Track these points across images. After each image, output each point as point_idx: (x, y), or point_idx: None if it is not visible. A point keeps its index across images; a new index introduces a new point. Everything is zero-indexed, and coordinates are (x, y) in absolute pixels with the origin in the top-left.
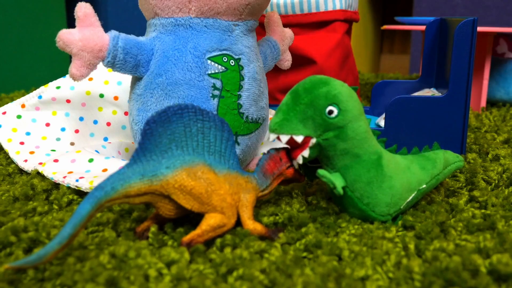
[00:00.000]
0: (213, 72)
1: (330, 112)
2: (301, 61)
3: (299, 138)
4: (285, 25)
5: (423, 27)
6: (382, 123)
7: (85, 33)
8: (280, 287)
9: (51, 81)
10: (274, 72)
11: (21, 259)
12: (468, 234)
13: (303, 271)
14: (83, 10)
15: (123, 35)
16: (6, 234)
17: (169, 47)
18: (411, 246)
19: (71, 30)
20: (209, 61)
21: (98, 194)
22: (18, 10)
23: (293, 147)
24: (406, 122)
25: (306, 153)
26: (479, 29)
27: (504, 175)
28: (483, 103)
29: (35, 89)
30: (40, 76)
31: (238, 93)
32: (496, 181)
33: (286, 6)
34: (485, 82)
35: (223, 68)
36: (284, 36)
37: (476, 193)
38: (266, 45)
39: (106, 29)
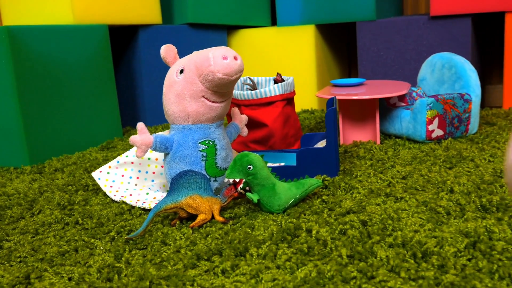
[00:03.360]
0: (201, 149)
1: (249, 168)
2: (259, 124)
3: (237, 179)
4: (246, 105)
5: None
6: (320, 145)
7: (142, 137)
8: (225, 243)
9: (105, 139)
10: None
11: (132, 234)
12: (313, 214)
13: (239, 235)
14: (141, 127)
15: (159, 135)
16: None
17: (180, 139)
18: (283, 222)
19: (135, 136)
20: (199, 144)
21: (155, 209)
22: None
23: (236, 183)
24: (305, 162)
25: (241, 185)
26: (372, 96)
27: (359, 187)
28: (378, 138)
29: (96, 147)
30: (99, 135)
31: (215, 157)
32: (346, 190)
33: (247, 95)
34: (377, 124)
35: (206, 146)
36: (241, 120)
37: (325, 197)
38: (231, 127)
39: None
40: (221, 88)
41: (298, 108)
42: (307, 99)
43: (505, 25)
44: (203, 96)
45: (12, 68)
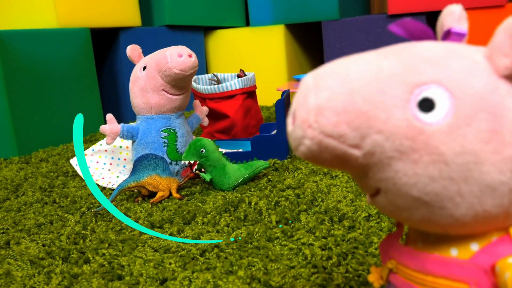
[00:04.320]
0: (163, 136)
1: (202, 151)
2: (221, 116)
3: (192, 161)
4: (210, 99)
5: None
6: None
7: (111, 126)
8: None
9: (87, 132)
10: (211, 123)
11: (99, 207)
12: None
13: (190, 208)
14: (109, 117)
15: (126, 125)
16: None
17: (144, 127)
18: (230, 197)
19: (104, 125)
20: (161, 132)
21: (120, 187)
22: (61, 83)
23: (191, 165)
24: (258, 148)
25: (195, 166)
26: None
27: (303, 168)
28: None
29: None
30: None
31: (175, 143)
32: (294, 168)
33: (211, 90)
34: None
35: (167, 134)
36: (202, 111)
37: (273, 175)
38: (192, 118)
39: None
40: (178, 82)
41: (269, 102)
42: (278, 95)
43: None
44: (163, 90)
45: (1, 69)
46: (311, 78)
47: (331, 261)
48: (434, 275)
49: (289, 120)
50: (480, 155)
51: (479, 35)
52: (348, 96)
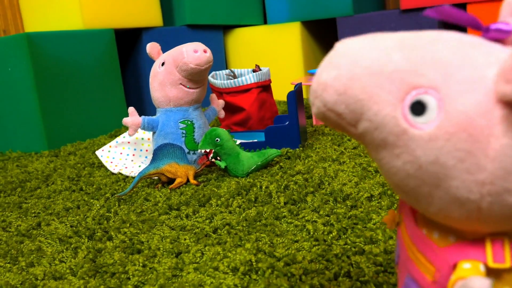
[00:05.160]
0: (181, 127)
1: (217, 140)
2: (237, 109)
3: (208, 150)
4: (227, 93)
5: None
6: None
7: (133, 118)
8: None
9: (111, 127)
10: (228, 116)
11: (121, 192)
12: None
13: (205, 192)
14: (131, 110)
15: (147, 117)
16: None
17: (164, 119)
18: (243, 182)
19: (126, 118)
20: (180, 123)
21: (141, 174)
22: (88, 81)
23: (207, 153)
24: (271, 138)
25: (211, 155)
26: None
27: (314, 156)
28: None
29: (105, 135)
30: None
31: (193, 134)
32: (306, 158)
33: (227, 84)
34: None
35: (185, 125)
36: (218, 104)
37: (286, 163)
38: (209, 110)
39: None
40: (194, 77)
41: (286, 97)
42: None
43: None
44: (181, 84)
45: (31, 69)
46: (336, 48)
47: (331, 235)
48: (417, 248)
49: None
50: (452, 171)
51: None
52: (350, 81)
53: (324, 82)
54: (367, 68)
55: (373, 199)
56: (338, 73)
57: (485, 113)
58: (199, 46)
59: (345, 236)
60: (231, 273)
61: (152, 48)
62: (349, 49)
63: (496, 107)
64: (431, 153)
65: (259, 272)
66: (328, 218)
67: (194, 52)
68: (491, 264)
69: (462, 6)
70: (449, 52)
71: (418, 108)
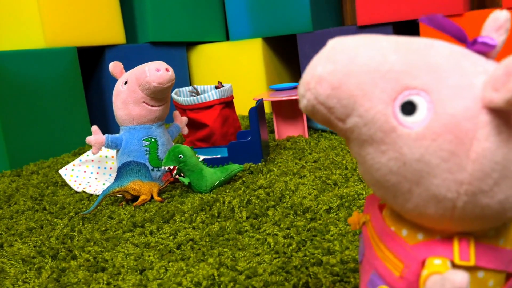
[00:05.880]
0: (145, 145)
1: (180, 157)
2: (201, 125)
3: (171, 166)
4: (190, 109)
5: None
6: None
7: (96, 137)
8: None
9: (73, 147)
10: (192, 132)
11: (85, 211)
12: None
13: (169, 208)
14: (94, 129)
15: (110, 136)
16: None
17: (127, 137)
18: (207, 197)
19: (90, 136)
20: (143, 141)
21: (105, 192)
22: (49, 99)
23: (171, 170)
24: (234, 153)
25: (175, 171)
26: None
27: (276, 170)
28: (306, 132)
29: (67, 154)
30: (67, 143)
31: (157, 151)
32: (268, 171)
33: (190, 101)
34: (305, 121)
35: (149, 143)
36: (182, 121)
37: (249, 177)
38: (173, 127)
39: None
40: (157, 95)
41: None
42: None
43: (420, 31)
44: (144, 102)
45: None
46: (332, 45)
47: (291, 247)
48: (385, 245)
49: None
50: (434, 169)
51: None
52: (346, 76)
53: (319, 75)
54: (363, 65)
55: (332, 211)
56: (334, 68)
57: (472, 118)
58: (161, 65)
59: (304, 248)
60: None
61: (114, 67)
62: (346, 46)
63: (482, 113)
64: (417, 151)
65: (221, 286)
66: (288, 231)
67: (156, 71)
68: (458, 261)
69: (416, 23)
70: (442, 58)
71: (409, 108)
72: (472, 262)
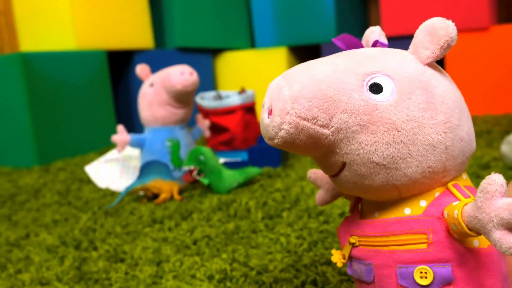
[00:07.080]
0: (168, 145)
1: (201, 157)
2: (222, 129)
3: (192, 167)
4: (212, 113)
5: None
6: None
7: (122, 136)
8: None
9: (99, 144)
10: (214, 136)
11: (108, 205)
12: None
13: (188, 206)
14: (120, 128)
15: (135, 135)
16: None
17: (151, 137)
18: (225, 198)
19: (115, 135)
20: (166, 142)
21: (127, 189)
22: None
23: (191, 170)
24: (254, 157)
25: (195, 172)
26: None
27: (293, 175)
28: None
29: (94, 152)
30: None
31: (178, 152)
32: (291, 176)
33: (212, 106)
34: None
35: (171, 144)
36: (204, 124)
37: (269, 180)
38: (195, 130)
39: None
40: (180, 98)
41: None
42: None
43: None
44: (168, 104)
45: (25, 87)
46: (281, 78)
47: (302, 247)
48: (395, 234)
49: (264, 115)
50: (421, 120)
51: (464, 58)
52: (315, 86)
53: (292, 96)
54: (323, 73)
55: (345, 215)
56: (301, 84)
57: (423, 73)
58: (186, 68)
59: (315, 248)
60: (207, 281)
61: (141, 70)
62: (296, 70)
63: (426, 68)
64: (402, 113)
65: (233, 280)
66: (301, 232)
67: (181, 75)
68: (464, 201)
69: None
70: (371, 52)
71: (376, 87)
72: (472, 197)
